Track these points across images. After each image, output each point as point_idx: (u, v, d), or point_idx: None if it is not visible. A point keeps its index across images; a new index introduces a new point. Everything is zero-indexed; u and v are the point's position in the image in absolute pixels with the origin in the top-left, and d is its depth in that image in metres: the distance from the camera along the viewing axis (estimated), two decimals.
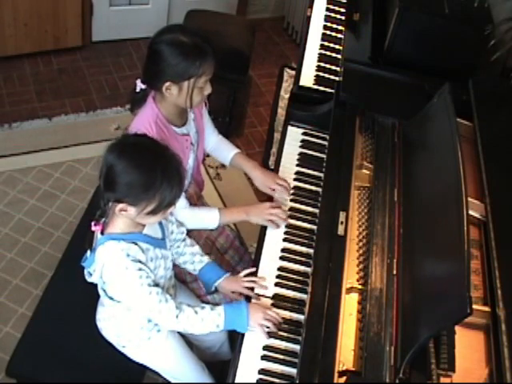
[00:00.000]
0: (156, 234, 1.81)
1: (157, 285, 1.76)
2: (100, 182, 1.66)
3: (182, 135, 2.05)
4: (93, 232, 1.77)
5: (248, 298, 1.90)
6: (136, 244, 1.71)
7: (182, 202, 2.02)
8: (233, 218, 2.13)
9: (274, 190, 2.15)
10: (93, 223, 1.75)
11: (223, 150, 2.30)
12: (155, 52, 1.89)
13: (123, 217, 1.68)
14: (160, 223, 1.84)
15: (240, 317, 1.77)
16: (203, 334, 1.85)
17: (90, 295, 1.94)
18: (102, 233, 1.75)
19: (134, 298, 1.73)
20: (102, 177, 1.65)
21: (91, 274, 1.80)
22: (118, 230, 1.72)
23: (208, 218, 2.09)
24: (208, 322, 1.77)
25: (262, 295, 1.89)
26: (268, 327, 1.77)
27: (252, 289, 1.91)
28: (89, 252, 1.79)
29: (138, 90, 2.00)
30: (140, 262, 1.70)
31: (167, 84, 1.89)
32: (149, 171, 1.61)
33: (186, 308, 1.77)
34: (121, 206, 1.64)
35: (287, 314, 1.85)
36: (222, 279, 1.96)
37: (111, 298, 1.83)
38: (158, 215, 1.68)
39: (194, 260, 1.99)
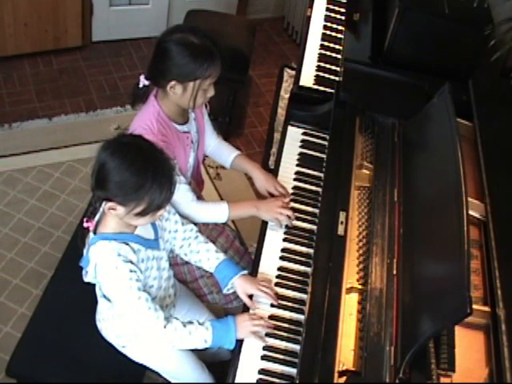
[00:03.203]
0: (148, 235, 1.81)
1: (149, 292, 1.75)
2: (91, 180, 1.66)
3: (183, 132, 2.05)
4: (86, 230, 1.77)
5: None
6: (127, 244, 1.71)
7: (188, 195, 2.02)
8: (242, 212, 2.11)
9: (272, 195, 2.14)
10: (85, 219, 1.75)
11: (223, 153, 2.29)
12: (164, 50, 1.88)
13: (113, 216, 1.68)
14: (153, 224, 1.83)
15: (228, 332, 1.76)
16: None
17: (90, 295, 1.93)
18: (95, 232, 1.75)
19: (122, 299, 1.72)
20: (93, 174, 1.65)
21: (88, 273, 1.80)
22: (110, 229, 1.72)
23: (217, 211, 2.08)
24: (196, 336, 1.75)
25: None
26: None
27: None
28: (85, 251, 1.79)
29: (141, 85, 2.00)
30: (131, 262, 1.70)
31: (172, 83, 1.89)
32: (140, 172, 1.60)
33: (175, 320, 1.75)
34: (110, 204, 1.64)
35: (287, 314, 1.85)
36: (238, 276, 1.89)
37: (108, 299, 1.83)
38: (146, 217, 1.67)
39: (209, 257, 1.93)
